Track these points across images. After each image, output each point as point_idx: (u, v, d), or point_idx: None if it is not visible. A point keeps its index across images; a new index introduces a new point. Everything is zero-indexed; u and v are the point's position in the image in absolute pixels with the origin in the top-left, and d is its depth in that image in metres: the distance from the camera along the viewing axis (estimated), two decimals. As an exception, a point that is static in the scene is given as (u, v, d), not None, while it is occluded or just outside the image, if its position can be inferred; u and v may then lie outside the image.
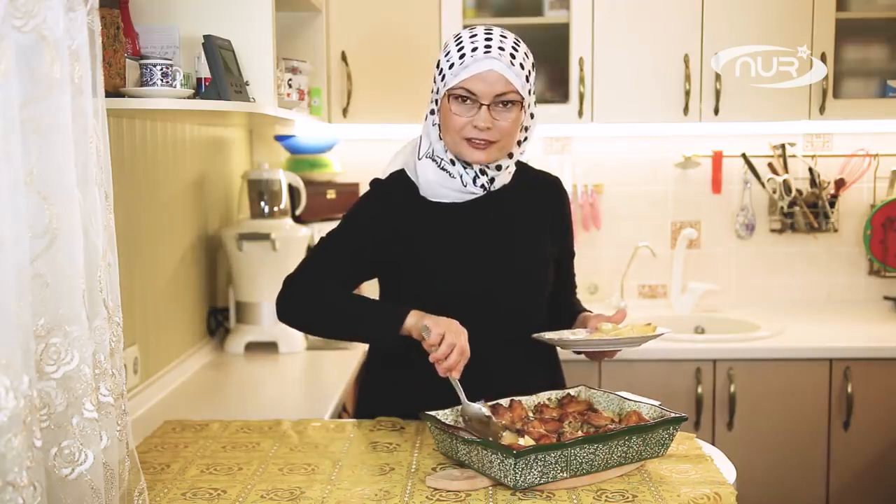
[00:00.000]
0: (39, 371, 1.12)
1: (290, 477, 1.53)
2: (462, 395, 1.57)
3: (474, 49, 1.67)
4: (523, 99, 1.70)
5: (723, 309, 3.36)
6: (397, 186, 1.82)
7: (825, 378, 2.85)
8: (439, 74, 1.72)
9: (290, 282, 1.81)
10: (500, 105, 1.68)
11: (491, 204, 1.79)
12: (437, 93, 1.73)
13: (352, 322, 1.76)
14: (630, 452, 1.47)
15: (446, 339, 1.58)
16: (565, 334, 1.76)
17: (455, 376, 1.59)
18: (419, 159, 1.79)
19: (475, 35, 1.70)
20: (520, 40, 1.74)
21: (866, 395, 2.83)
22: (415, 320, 1.65)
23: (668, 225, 3.46)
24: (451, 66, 1.68)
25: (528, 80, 1.71)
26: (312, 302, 1.78)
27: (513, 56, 1.67)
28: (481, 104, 1.67)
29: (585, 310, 1.90)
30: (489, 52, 1.66)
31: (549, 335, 1.74)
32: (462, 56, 1.67)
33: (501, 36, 1.70)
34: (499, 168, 1.76)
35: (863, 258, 3.43)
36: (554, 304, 1.89)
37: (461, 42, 1.70)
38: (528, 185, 1.87)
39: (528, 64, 1.72)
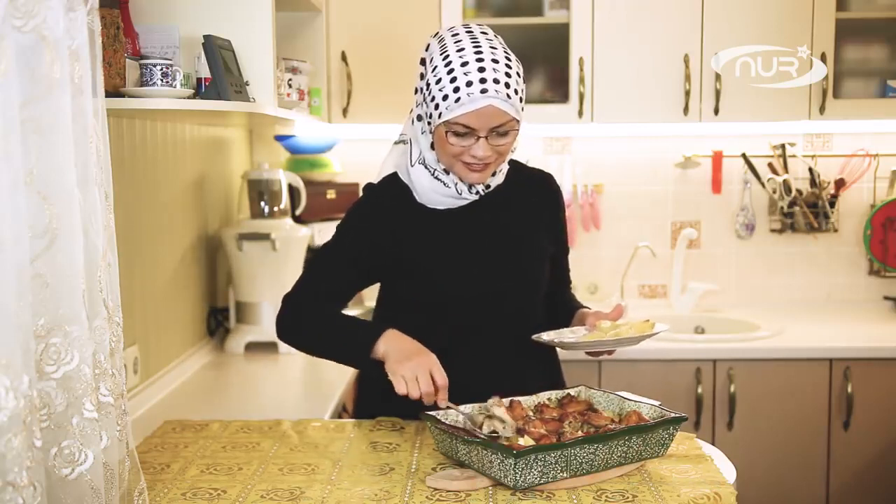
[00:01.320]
0: (39, 371, 1.12)
1: (290, 477, 1.53)
2: (458, 410, 1.58)
3: (469, 84, 1.60)
4: (518, 121, 1.68)
5: (723, 309, 3.36)
6: (391, 191, 1.81)
7: (825, 378, 2.85)
8: (430, 101, 1.66)
9: (286, 301, 1.81)
10: (497, 134, 1.66)
11: (486, 205, 1.79)
12: (429, 117, 1.68)
13: (333, 349, 1.78)
14: (630, 452, 1.47)
15: (410, 388, 1.58)
16: (565, 334, 1.76)
17: (442, 406, 1.58)
18: (412, 166, 1.77)
19: (465, 60, 1.62)
20: (508, 51, 1.68)
21: (866, 395, 2.83)
22: (384, 348, 1.65)
23: (668, 225, 3.46)
24: (445, 97, 1.62)
25: (521, 101, 1.67)
26: (302, 325, 1.79)
27: (507, 85, 1.62)
28: (478, 136, 1.65)
29: (582, 306, 1.90)
30: (486, 91, 1.60)
31: (548, 336, 1.74)
32: (456, 90, 1.61)
33: (493, 60, 1.63)
34: (493, 173, 1.76)
35: (863, 258, 3.43)
36: (551, 302, 1.89)
37: (451, 65, 1.63)
38: (521, 184, 1.86)
39: (521, 83, 1.67)
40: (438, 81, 1.64)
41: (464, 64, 1.62)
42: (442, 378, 1.59)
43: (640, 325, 1.72)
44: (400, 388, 1.59)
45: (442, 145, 1.69)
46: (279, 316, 1.80)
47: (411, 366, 1.60)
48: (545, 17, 3.15)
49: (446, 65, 1.64)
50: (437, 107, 1.65)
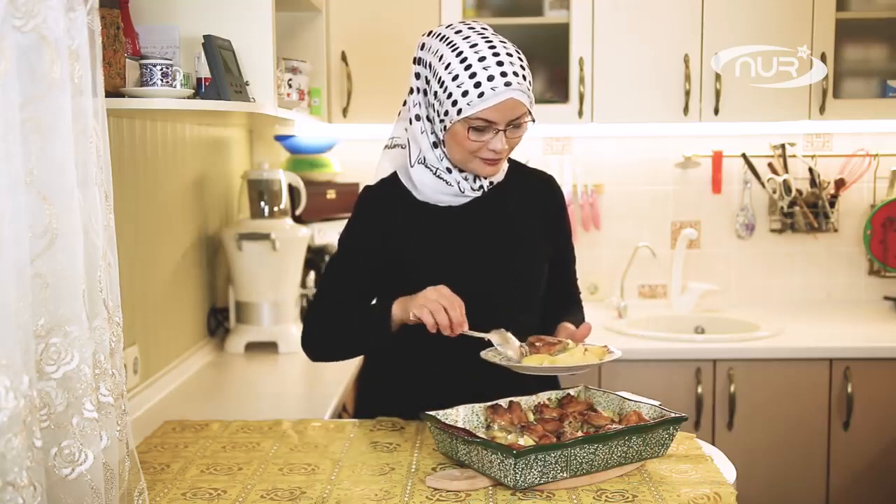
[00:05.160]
0: (39, 371, 1.12)
1: (290, 477, 1.53)
2: (481, 335, 1.65)
3: (490, 78, 1.61)
4: (531, 113, 1.69)
5: (723, 309, 3.36)
6: (385, 191, 1.82)
7: (825, 378, 2.85)
8: (446, 98, 1.65)
9: (305, 320, 1.86)
10: (513, 126, 1.67)
11: (486, 204, 1.79)
12: (444, 115, 1.67)
13: (354, 342, 1.81)
14: (630, 452, 1.47)
15: (437, 315, 1.61)
16: (514, 347, 1.68)
17: (465, 329, 1.63)
18: (412, 166, 1.77)
19: (481, 55, 1.62)
20: (517, 48, 1.69)
21: (866, 395, 2.83)
22: (400, 312, 1.68)
23: (668, 225, 3.46)
24: (465, 93, 1.62)
25: (532, 92, 1.69)
26: (321, 335, 1.83)
27: (524, 77, 1.64)
28: (497, 130, 1.65)
29: (571, 318, 1.85)
30: (510, 84, 1.61)
31: (485, 355, 1.68)
32: (478, 85, 1.61)
33: (507, 53, 1.64)
34: None
35: (863, 258, 3.43)
36: (548, 307, 1.88)
37: (467, 61, 1.62)
38: (522, 184, 1.86)
39: (531, 75, 1.68)
40: (455, 78, 1.63)
41: (481, 59, 1.62)
42: (457, 300, 1.63)
43: (597, 350, 1.65)
44: (428, 321, 1.62)
45: (460, 142, 1.68)
46: (302, 338, 1.85)
47: (425, 300, 1.63)
48: (545, 17, 3.15)
49: (461, 61, 1.63)
50: (454, 104, 1.64)
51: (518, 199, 1.84)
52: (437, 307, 1.62)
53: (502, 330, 1.67)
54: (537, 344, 1.65)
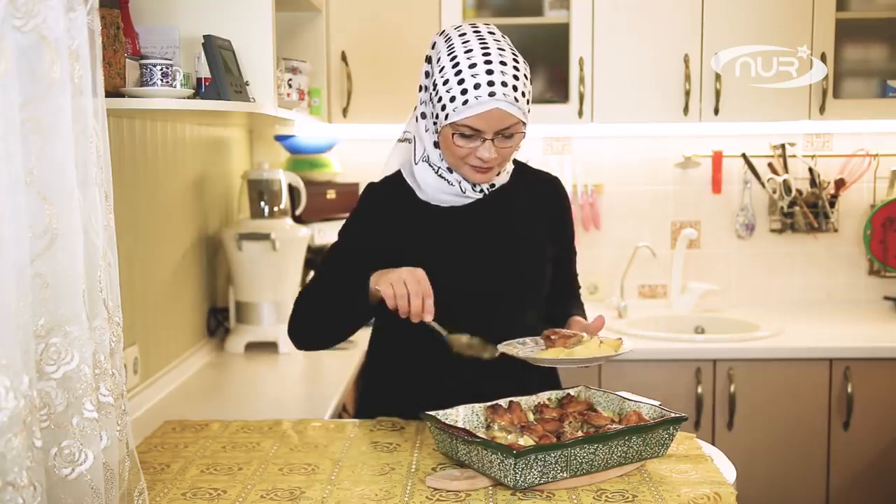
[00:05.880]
0: (39, 371, 1.12)
1: (290, 477, 1.53)
2: (442, 332, 1.63)
3: (476, 86, 1.60)
4: (525, 124, 1.68)
5: (723, 309, 3.36)
6: (389, 189, 1.82)
7: (825, 378, 2.85)
8: (437, 101, 1.66)
9: (292, 309, 1.84)
10: (503, 136, 1.66)
11: (490, 204, 1.79)
12: (435, 118, 1.68)
13: (333, 315, 1.78)
14: (630, 452, 1.47)
15: (399, 301, 1.60)
16: (528, 344, 1.71)
17: (427, 319, 1.61)
18: (416, 164, 1.77)
19: (473, 62, 1.61)
20: (515, 52, 1.67)
21: (866, 395, 2.83)
22: (377, 285, 1.66)
23: (668, 225, 3.46)
24: (452, 99, 1.62)
25: (528, 103, 1.67)
26: (303, 317, 1.81)
27: (515, 88, 1.62)
28: (484, 138, 1.65)
29: (579, 313, 1.87)
30: (494, 94, 1.60)
31: (505, 347, 1.68)
32: (464, 92, 1.61)
33: (501, 62, 1.62)
34: (497, 173, 1.76)
35: (863, 258, 3.43)
36: (550, 305, 1.88)
37: (458, 66, 1.62)
38: (526, 185, 1.86)
39: (528, 84, 1.66)
40: (446, 83, 1.64)
41: (472, 66, 1.62)
42: (427, 286, 1.61)
43: (611, 342, 1.66)
44: (390, 303, 1.60)
45: (448, 146, 1.68)
46: (287, 325, 1.83)
47: (398, 279, 1.61)
48: (545, 17, 3.15)
49: (454, 66, 1.63)
50: (443, 108, 1.64)
51: (522, 200, 1.84)
52: (402, 292, 1.60)
53: (469, 336, 1.66)
54: (553, 337, 1.65)
